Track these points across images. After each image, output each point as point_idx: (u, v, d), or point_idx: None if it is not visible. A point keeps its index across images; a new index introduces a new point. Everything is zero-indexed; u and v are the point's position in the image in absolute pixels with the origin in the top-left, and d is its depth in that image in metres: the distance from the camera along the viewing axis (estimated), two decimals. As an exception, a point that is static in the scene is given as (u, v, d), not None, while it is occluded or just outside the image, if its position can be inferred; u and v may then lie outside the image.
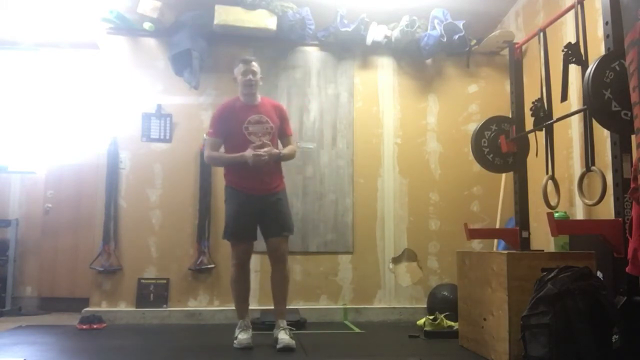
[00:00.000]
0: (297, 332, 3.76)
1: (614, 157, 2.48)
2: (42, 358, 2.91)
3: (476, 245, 4.53)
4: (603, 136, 3.03)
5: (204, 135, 3.39)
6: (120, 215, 4.30)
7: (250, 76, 3.25)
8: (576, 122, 3.65)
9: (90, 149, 4.73)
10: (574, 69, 3.11)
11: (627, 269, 2.05)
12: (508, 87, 4.14)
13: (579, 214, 3.63)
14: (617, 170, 2.44)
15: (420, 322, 3.71)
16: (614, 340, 2.21)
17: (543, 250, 3.44)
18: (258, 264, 4.27)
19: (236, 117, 3.22)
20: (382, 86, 4.71)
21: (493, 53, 4.81)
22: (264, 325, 3.83)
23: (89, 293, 4.27)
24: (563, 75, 2.81)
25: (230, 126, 3.22)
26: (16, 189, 5.20)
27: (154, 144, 4.41)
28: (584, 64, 2.72)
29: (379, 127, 4.66)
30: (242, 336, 3.10)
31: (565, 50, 2.75)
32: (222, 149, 3.30)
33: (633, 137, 2.25)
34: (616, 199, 2.45)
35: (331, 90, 4.64)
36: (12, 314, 4.64)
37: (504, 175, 4.39)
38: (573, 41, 2.77)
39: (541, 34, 3.21)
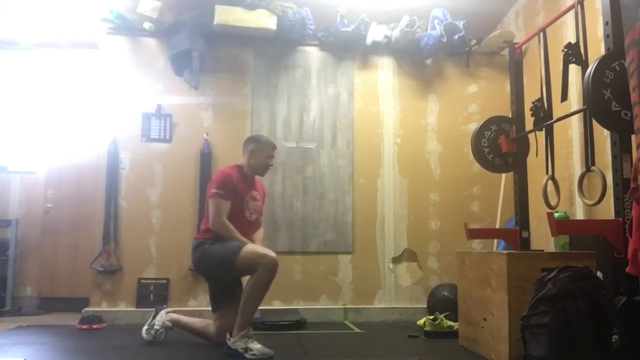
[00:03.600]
0: (297, 332, 3.77)
1: (614, 157, 2.48)
2: (42, 358, 2.91)
3: (476, 245, 4.53)
4: (603, 136, 3.03)
5: (215, 192, 3.09)
6: (120, 215, 4.30)
7: (272, 162, 3.34)
8: (576, 122, 3.65)
9: (90, 149, 4.73)
10: (574, 69, 3.12)
11: (627, 269, 2.06)
12: (508, 87, 4.14)
13: (579, 214, 3.63)
14: (617, 170, 2.45)
15: (420, 322, 3.71)
16: (614, 340, 2.21)
17: (543, 250, 3.44)
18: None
19: (242, 188, 3.20)
20: (382, 86, 4.71)
21: (493, 53, 4.81)
22: (264, 325, 3.84)
23: (89, 293, 4.27)
24: (563, 75, 2.81)
25: (236, 194, 3.16)
26: (16, 189, 5.20)
27: (154, 144, 4.41)
28: (584, 64, 2.72)
29: (379, 127, 4.66)
30: (258, 345, 2.90)
31: (565, 50, 2.75)
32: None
33: (633, 137, 2.25)
34: (616, 199, 2.45)
35: (331, 90, 4.64)
36: (12, 314, 4.63)
37: (504, 175, 4.40)
38: (573, 41, 2.77)
39: (541, 34, 3.22)
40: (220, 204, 3.06)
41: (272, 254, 2.97)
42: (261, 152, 3.26)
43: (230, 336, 2.94)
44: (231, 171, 3.20)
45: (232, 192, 3.11)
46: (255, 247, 3.05)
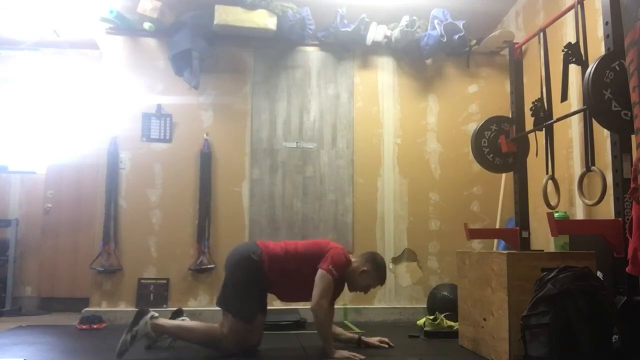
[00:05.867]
0: (297, 332, 3.77)
1: (614, 157, 2.48)
2: (42, 358, 2.90)
3: (476, 245, 4.53)
4: (603, 136, 3.03)
5: (330, 270, 2.92)
6: (120, 215, 4.30)
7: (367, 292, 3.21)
8: (576, 122, 3.65)
9: (90, 149, 4.73)
10: (574, 69, 3.11)
11: (627, 269, 2.06)
12: (508, 87, 4.14)
13: (579, 214, 3.63)
14: (617, 170, 2.45)
15: (420, 322, 3.71)
16: (614, 340, 2.21)
17: (543, 250, 3.44)
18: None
19: (339, 284, 3.10)
20: (382, 86, 4.71)
21: (493, 53, 4.81)
22: (264, 325, 3.83)
23: (89, 293, 4.27)
24: (563, 75, 2.81)
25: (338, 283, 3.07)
26: (16, 189, 5.21)
27: (154, 144, 4.41)
28: (584, 64, 2.72)
29: (379, 127, 4.66)
30: (126, 344, 2.82)
31: (565, 50, 2.75)
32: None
33: (633, 137, 2.25)
34: (616, 199, 2.45)
35: (331, 90, 4.64)
36: (12, 314, 4.64)
37: (504, 175, 4.39)
38: (573, 41, 2.77)
39: (541, 34, 3.22)
40: (331, 285, 2.92)
41: (248, 343, 2.95)
42: (370, 279, 3.10)
43: (157, 317, 2.91)
44: (348, 261, 3.07)
45: (337, 277, 2.99)
46: (251, 330, 2.94)
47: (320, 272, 2.93)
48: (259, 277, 2.96)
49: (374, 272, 3.10)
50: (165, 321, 2.99)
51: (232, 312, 2.91)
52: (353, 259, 3.14)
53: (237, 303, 2.92)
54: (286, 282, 3.03)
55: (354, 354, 2.86)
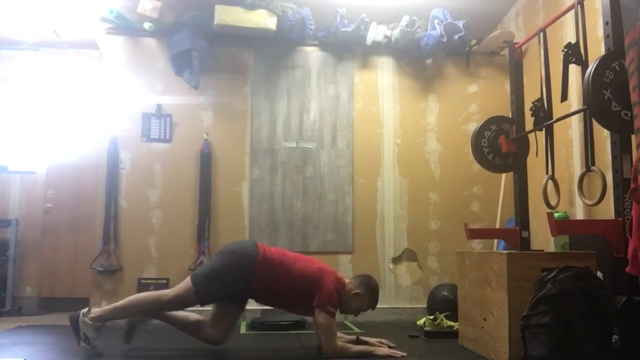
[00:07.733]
0: (297, 332, 3.77)
1: (614, 157, 2.48)
2: (42, 358, 2.90)
3: (476, 245, 4.54)
4: (603, 136, 3.03)
5: (332, 312, 2.95)
6: (120, 215, 4.30)
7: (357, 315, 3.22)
8: (576, 122, 3.65)
9: (90, 149, 4.73)
10: (574, 69, 3.11)
11: (627, 269, 2.06)
12: (508, 87, 4.14)
13: (579, 214, 3.63)
14: (617, 170, 2.45)
15: (420, 322, 3.71)
16: (614, 340, 2.21)
17: (543, 250, 3.44)
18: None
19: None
20: (382, 86, 4.71)
21: (493, 53, 4.81)
22: (264, 325, 3.84)
23: (89, 293, 4.27)
24: (563, 75, 2.81)
25: None
26: (16, 189, 5.21)
27: (154, 144, 4.41)
28: (584, 64, 2.72)
29: (379, 127, 4.66)
30: (97, 342, 2.89)
31: (565, 50, 2.75)
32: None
33: (633, 137, 2.25)
34: (616, 199, 2.45)
35: (331, 90, 4.64)
36: (12, 314, 4.64)
37: (504, 175, 4.40)
38: (573, 41, 2.77)
39: (541, 34, 3.22)
40: (334, 323, 2.94)
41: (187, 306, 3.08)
42: (362, 303, 3.10)
43: (90, 310, 2.90)
44: (340, 291, 3.04)
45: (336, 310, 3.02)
46: (187, 302, 3.05)
47: (319, 313, 2.91)
48: (244, 275, 2.96)
49: (366, 296, 3.08)
50: (98, 309, 2.96)
51: (193, 278, 3.02)
52: (347, 281, 3.14)
53: (203, 277, 3.02)
54: (270, 291, 3.02)
55: (379, 341, 3.08)
